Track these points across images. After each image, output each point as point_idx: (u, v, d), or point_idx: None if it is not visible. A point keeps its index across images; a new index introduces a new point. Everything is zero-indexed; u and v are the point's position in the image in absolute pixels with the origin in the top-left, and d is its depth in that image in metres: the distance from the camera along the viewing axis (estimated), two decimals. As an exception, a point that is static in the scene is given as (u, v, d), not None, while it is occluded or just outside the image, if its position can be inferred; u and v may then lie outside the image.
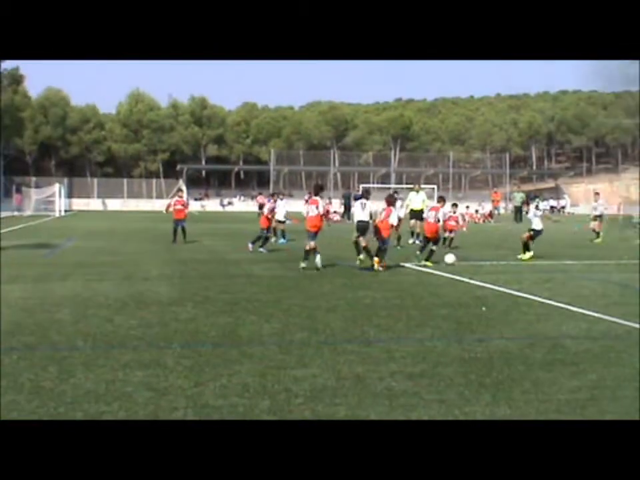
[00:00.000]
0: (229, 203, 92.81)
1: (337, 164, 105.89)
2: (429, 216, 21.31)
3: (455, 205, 28.22)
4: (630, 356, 8.74)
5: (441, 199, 22.82)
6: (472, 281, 16.03)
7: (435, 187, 74.00)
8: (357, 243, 19.19)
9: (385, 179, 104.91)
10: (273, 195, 26.57)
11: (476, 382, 7.46)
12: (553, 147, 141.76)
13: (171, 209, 28.84)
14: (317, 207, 19.45)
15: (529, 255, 21.72)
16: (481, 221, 55.54)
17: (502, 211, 67.20)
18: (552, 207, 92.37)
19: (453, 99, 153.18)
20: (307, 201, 27.92)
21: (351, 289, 14.63)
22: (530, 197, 62.56)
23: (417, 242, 27.21)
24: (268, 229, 25.15)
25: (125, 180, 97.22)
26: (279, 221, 28.55)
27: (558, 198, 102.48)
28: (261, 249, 23.63)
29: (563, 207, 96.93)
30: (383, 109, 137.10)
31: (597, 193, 34.21)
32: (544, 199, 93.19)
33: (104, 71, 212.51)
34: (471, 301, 13.18)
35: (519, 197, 54.21)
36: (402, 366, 8.12)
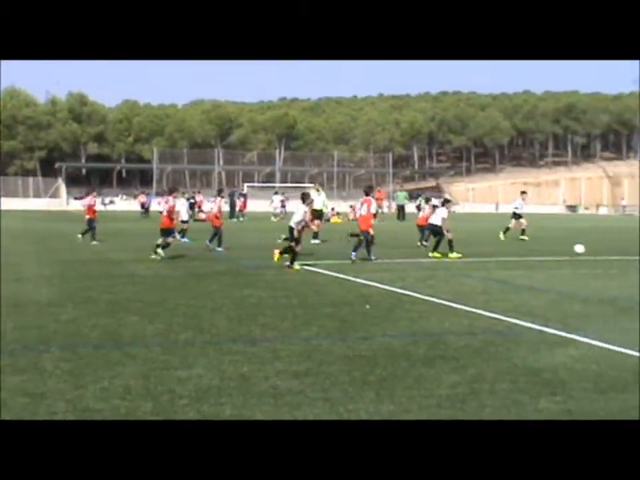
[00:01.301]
0: (111, 202, 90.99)
1: (221, 162, 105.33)
2: (363, 209, 21.50)
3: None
4: (508, 350, 8.99)
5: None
6: (357, 280, 16.18)
7: (316, 185, 74.39)
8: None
9: (269, 177, 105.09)
10: (170, 192, 23.92)
11: (360, 379, 7.52)
12: (434, 147, 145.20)
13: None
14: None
15: (456, 254, 21.75)
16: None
17: (386, 210, 68.27)
18: (434, 206, 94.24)
19: (337, 99, 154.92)
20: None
21: (237, 288, 14.54)
22: (413, 196, 63.83)
23: (317, 241, 27.44)
24: (171, 229, 22.18)
25: (0, 178, 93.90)
26: (183, 221, 28.26)
27: (440, 197, 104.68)
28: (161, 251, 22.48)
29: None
30: (267, 107, 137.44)
31: (523, 192, 34.95)
32: (426, 198, 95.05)
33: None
34: (356, 299, 13.30)
35: (402, 196, 55.27)
36: (287, 365, 8.12)
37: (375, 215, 22.30)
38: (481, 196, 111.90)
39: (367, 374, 7.74)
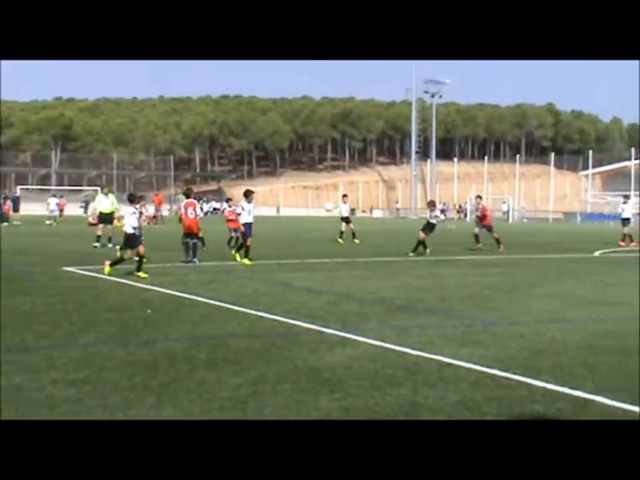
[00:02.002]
0: None
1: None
2: (189, 212, 21.45)
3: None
4: (290, 352, 9.14)
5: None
6: (137, 284, 15.90)
7: (99, 188, 72.61)
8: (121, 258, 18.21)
9: (45, 180, 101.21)
10: None
11: (141, 385, 7.38)
12: (215, 150, 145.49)
13: None
14: None
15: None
16: (145, 223, 55.43)
17: (166, 213, 67.58)
18: (215, 209, 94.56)
19: (116, 100, 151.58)
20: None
21: (8, 295, 13.85)
22: (197, 199, 63.68)
23: (110, 245, 26.74)
24: None
25: None
26: None
27: (221, 200, 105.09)
28: None
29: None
30: (41, 107, 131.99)
31: (344, 195, 36.11)
32: (207, 201, 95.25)
33: None
34: (137, 304, 13.06)
35: (183, 199, 55.04)
36: (64, 373, 7.82)
37: (154, 218, 22.25)
38: (262, 199, 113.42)
39: (148, 379, 7.61)
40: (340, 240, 32.15)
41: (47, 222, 52.17)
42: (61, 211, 59.17)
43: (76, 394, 7.02)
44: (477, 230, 29.39)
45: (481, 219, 29.67)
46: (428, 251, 25.44)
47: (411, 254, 25.04)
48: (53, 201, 55.09)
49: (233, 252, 22.79)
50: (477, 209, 31.56)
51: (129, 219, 17.94)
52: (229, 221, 28.30)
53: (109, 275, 17.17)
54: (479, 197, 32.59)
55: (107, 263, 17.76)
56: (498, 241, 28.50)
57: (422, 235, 26.02)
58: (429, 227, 26.46)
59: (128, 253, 17.73)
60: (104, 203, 29.58)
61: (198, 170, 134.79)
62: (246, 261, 21.18)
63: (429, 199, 54.76)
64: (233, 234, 27.48)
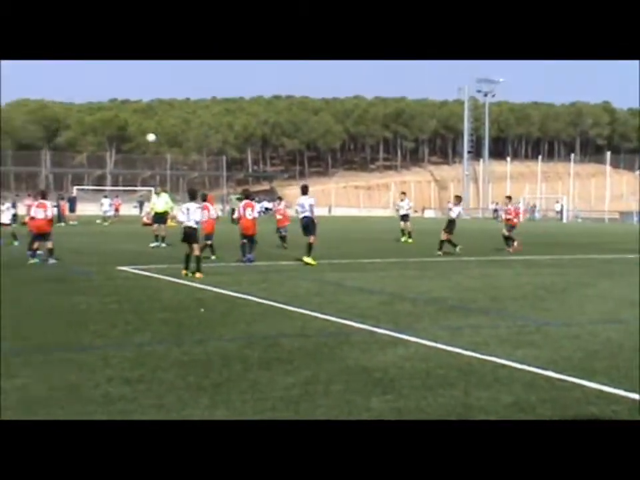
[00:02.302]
0: None
1: (48, 165, 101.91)
2: (247, 212, 21.57)
3: None
4: (341, 351, 9.15)
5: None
6: (192, 284, 16.04)
7: (153, 188, 73.43)
8: (187, 255, 17.76)
9: (100, 180, 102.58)
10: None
11: (195, 384, 7.45)
12: (267, 150, 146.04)
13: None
14: (45, 210, 20.72)
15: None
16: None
17: (219, 213, 67.99)
18: (267, 209, 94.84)
19: (169, 101, 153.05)
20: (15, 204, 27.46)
21: (65, 295, 14.10)
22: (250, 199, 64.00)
23: (163, 245, 27.07)
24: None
25: None
26: (5, 224, 27.99)
27: (273, 200, 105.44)
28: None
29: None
30: (97, 109, 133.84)
31: (402, 193, 35.77)
32: (259, 201, 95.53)
33: None
34: (191, 303, 13.18)
35: (235, 199, 55.58)
36: (119, 371, 7.93)
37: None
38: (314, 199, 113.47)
39: (202, 378, 7.68)
40: (403, 239, 32.06)
41: (98, 221, 53.13)
42: (117, 210, 60.26)
43: (131, 392, 7.11)
44: (505, 232, 28.15)
45: (507, 219, 28.57)
46: (457, 248, 25.28)
47: (439, 252, 25.04)
48: (106, 202, 56.09)
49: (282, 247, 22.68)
50: (505, 210, 30.07)
51: (194, 213, 17.92)
52: (277, 219, 28.61)
53: (200, 281, 16.60)
54: (509, 197, 31.68)
55: (197, 275, 17.22)
56: (508, 240, 27.67)
57: (444, 234, 25.91)
58: (448, 226, 26.24)
59: (194, 249, 17.62)
60: (158, 203, 30.02)
61: (250, 170, 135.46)
62: (309, 260, 20.74)
63: (480, 198, 54.10)
64: (283, 232, 27.71)
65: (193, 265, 17.46)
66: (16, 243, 27.23)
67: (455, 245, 25.38)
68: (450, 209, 27.27)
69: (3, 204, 30.37)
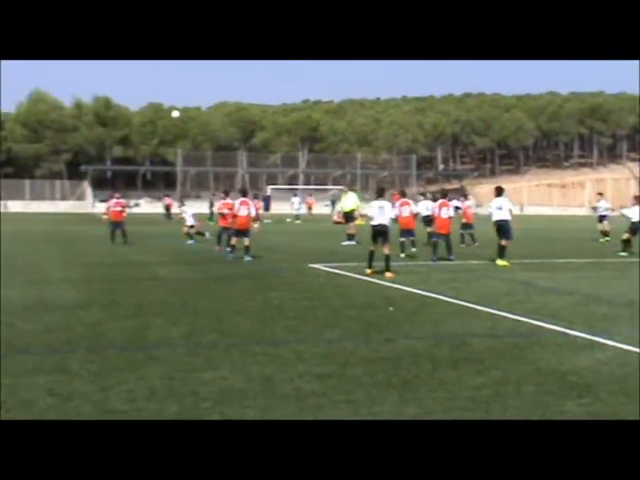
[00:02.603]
0: (136, 205, 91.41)
1: (245, 165, 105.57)
2: (442, 211, 21.91)
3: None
4: (532, 353, 8.95)
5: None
6: (381, 282, 16.17)
7: (343, 187, 74.50)
8: (371, 253, 17.78)
9: (293, 180, 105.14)
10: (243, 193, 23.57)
11: (384, 382, 7.52)
12: (457, 149, 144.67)
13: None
14: (248, 208, 21.41)
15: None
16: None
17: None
18: (457, 208, 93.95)
19: (360, 101, 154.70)
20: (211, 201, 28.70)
21: (259, 290, 14.58)
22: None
23: (353, 243, 27.53)
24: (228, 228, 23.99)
25: (27, 181, 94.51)
26: (190, 226, 29.36)
27: (463, 199, 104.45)
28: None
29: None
30: (290, 110, 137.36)
31: (599, 194, 35.06)
32: (449, 200, 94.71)
33: (4, 70, 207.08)
34: (380, 301, 13.29)
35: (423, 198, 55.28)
36: (310, 367, 8.13)
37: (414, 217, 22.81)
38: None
39: (390, 376, 7.74)
40: (602, 240, 30.97)
41: (288, 220, 54.53)
42: (310, 209, 61.86)
43: (321, 388, 7.27)
44: (626, 236, 25.36)
45: None
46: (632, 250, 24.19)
47: (622, 253, 24.07)
48: (296, 200, 57.73)
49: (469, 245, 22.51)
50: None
51: (386, 211, 17.89)
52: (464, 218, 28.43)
53: (389, 280, 16.58)
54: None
55: (387, 274, 17.11)
56: (626, 243, 25.15)
57: (626, 234, 24.89)
58: (632, 228, 25.08)
59: (384, 248, 17.56)
60: (346, 201, 30.54)
61: (440, 168, 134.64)
62: (502, 262, 20.16)
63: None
64: (469, 230, 27.56)
65: (374, 264, 17.53)
66: (190, 242, 28.62)
67: (628, 245, 24.54)
68: (625, 208, 25.93)
69: (184, 204, 32.47)
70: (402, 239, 22.49)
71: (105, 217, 29.79)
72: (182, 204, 35.85)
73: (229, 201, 24.91)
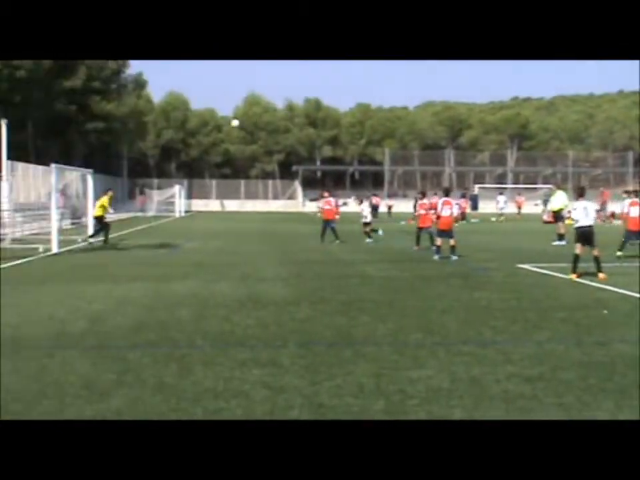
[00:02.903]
0: (344, 204, 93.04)
1: (452, 164, 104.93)
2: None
3: None
4: None
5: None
6: (591, 283, 15.61)
7: (552, 186, 72.38)
8: (577, 256, 16.81)
9: (501, 178, 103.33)
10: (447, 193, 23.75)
11: (596, 386, 7.27)
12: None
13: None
14: (451, 208, 21.42)
15: None
16: (600, 221, 54.12)
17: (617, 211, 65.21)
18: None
19: (572, 97, 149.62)
20: (416, 201, 28.86)
21: (466, 290, 14.48)
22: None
23: (563, 243, 26.79)
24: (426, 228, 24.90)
25: (242, 181, 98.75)
26: (367, 223, 29.59)
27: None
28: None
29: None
30: (498, 108, 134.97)
31: None
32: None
33: (222, 75, 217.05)
34: (591, 303, 12.84)
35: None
36: (519, 369, 7.99)
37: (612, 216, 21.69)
38: None
39: (604, 381, 7.47)
40: None
41: (492, 219, 53.65)
42: (519, 208, 60.97)
43: (530, 390, 7.14)
44: None
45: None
46: None
47: None
48: (501, 199, 56.78)
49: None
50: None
51: (591, 212, 17.15)
52: None
53: (602, 281, 15.91)
54: None
55: (600, 276, 16.42)
56: None
57: None
58: None
59: (577, 248, 16.93)
60: (555, 200, 29.78)
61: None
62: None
63: None
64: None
65: (576, 266, 16.90)
66: (368, 240, 28.52)
67: None
68: None
69: (362, 202, 32.82)
70: (630, 241, 21.25)
71: (319, 214, 30.62)
72: (360, 202, 36.08)
73: (425, 201, 25.58)
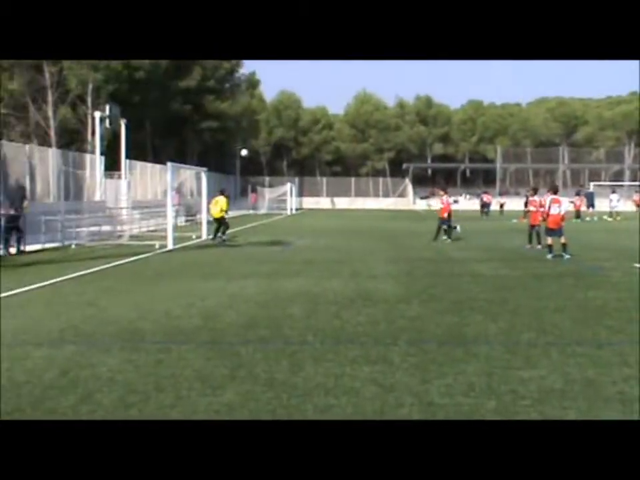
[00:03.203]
0: (455, 201, 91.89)
1: (566, 161, 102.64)
2: None
3: None
4: None
5: None
6: None
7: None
8: None
9: (618, 176, 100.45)
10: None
11: None
12: None
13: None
14: (560, 206, 20.98)
15: None
16: None
17: None
18: None
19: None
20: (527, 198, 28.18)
21: (580, 289, 14.18)
22: None
23: None
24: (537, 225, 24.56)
25: (353, 179, 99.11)
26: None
27: None
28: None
29: None
30: (616, 103, 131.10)
31: None
32: None
33: (334, 73, 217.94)
34: None
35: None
36: (636, 371, 7.79)
37: None
38: None
39: None
40: None
41: (604, 217, 52.18)
42: (638, 206, 59.46)
43: (648, 393, 6.95)
44: None
45: None
46: None
47: None
48: (614, 197, 55.08)
49: None
50: None
51: None
52: None
53: None
54: None
55: None
56: None
57: None
58: None
59: None
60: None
61: None
62: None
63: None
64: None
65: None
66: (444, 237, 27.81)
67: None
68: None
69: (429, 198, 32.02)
70: None
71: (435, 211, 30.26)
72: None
73: (536, 198, 25.18)
